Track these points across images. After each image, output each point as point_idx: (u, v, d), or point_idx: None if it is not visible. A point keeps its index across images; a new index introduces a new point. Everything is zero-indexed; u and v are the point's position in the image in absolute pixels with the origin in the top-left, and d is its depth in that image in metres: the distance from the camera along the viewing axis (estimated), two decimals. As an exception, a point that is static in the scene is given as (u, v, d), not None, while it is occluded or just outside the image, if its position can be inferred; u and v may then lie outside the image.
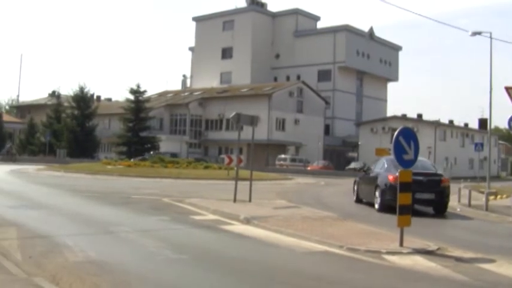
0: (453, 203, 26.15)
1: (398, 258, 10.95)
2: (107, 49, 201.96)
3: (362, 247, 11.73)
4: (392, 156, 25.32)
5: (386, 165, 21.72)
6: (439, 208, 21.09)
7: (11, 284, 7.78)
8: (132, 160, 57.81)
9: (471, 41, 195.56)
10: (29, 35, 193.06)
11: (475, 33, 34.16)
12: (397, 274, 9.77)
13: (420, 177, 18.88)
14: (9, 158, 62.95)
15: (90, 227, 14.01)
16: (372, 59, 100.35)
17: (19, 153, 73.24)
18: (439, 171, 23.04)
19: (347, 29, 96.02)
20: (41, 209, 17.50)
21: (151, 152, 62.37)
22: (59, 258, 9.67)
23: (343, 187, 34.55)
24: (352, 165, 71.37)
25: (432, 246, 12.17)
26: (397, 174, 19.32)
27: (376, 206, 21.17)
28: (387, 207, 19.64)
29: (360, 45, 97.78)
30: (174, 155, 59.97)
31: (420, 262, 10.72)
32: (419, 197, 18.94)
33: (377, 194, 21.21)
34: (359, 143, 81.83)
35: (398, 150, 12.22)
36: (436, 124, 79.44)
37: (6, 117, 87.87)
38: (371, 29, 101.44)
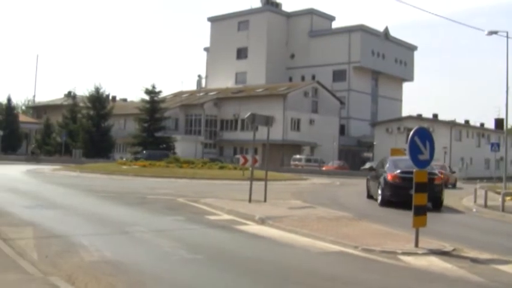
0: (469, 203, 26.17)
1: (413, 259, 10.92)
2: (122, 50, 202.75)
3: (377, 247, 11.70)
4: (395, 157, 27.30)
5: (388, 165, 23.99)
6: (434, 203, 22.18)
7: (27, 283, 7.83)
8: (124, 159, 58.64)
9: (487, 40, 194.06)
10: (44, 36, 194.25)
11: (491, 33, 33.92)
12: (412, 275, 9.74)
13: None
14: (34, 158, 63.39)
15: (105, 227, 14.07)
16: (387, 59, 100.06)
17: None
18: (435, 170, 24.33)
19: (362, 29, 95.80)
20: (56, 208, 17.60)
21: (144, 152, 62.57)
22: (74, 258, 9.73)
23: (358, 187, 34.46)
24: (367, 165, 71.04)
25: (448, 247, 12.11)
26: (395, 173, 22.12)
27: (378, 201, 23.51)
28: (387, 202, 22.59)
29: (375, 45, 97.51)
30: (165, 154, 59.92)
31: (436, 263, 10.68)
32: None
33: (379, 190, 23.55)
34: (374, 143, 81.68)
35: (414, 151, 12.15)
36: (452, 124, 79.09)
37: (22, 118, 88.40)
38: (386, 29, 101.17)
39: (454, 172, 48.93)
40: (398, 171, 22.40)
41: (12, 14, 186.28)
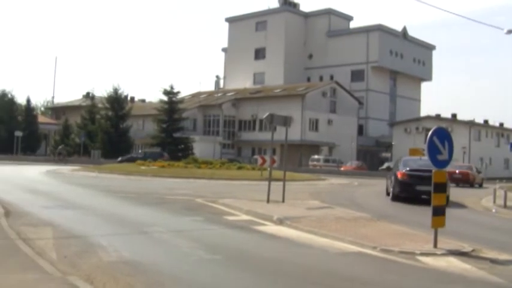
0: (488, 203, 26.01)
1: (432, 260, 10.87)
2: (141, 51, 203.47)
3: (396, 248, 11.66)
4: (408, 157, 30.03)
5: (400, 164, 26.07)
6: None
7: (46, 283, 7.88)
8: (120, 159, 59.31)
9: (507, 39, 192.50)
10: (63, 38, 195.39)
11: (510, 31, 33.62)
12: (431, 276, 9.70)
13: (421, 173, 23.33)
14: (61, 159, 63.76)
15: (124, 227, 14.13)
16: (405, 58, 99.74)
17: (54, 154, 74.05)
18: None
19: (380, 29, 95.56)
20: (75, 209, 17.68)
21: (140, 151, 62.82)
22: (93, 258, 9.77)
23: (377, 187, 34.39)
24: (386, 165, 70.96)
25: (467, 247, 12.04)
26: (404, 171, 24.28)
27: (390, 196, 26.00)
28: (396, 197, 24.92)
29: (393, 45, 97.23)
30: (161, 154, 60.29)
31: (454, 263, 10.62)
32: (419, 189, 23.50)
33: (391, 187, 26.10)
34: (392, 143, 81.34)
35: (433, 151, 12.08)
36: (471, 124, 78.64)
37: (41, 119, 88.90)
38: (404, 29, 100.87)
39: (480, 172, 49.24)
40: (407, 169, 24.69)
41: (31, 16, 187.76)
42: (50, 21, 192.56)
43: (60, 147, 69.58)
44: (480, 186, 44.90)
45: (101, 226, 14.19)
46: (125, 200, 21.15)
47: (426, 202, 20.69)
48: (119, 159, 60.27)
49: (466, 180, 43.44)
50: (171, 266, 9.62)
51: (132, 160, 56.04)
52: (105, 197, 22.79)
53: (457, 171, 43.58)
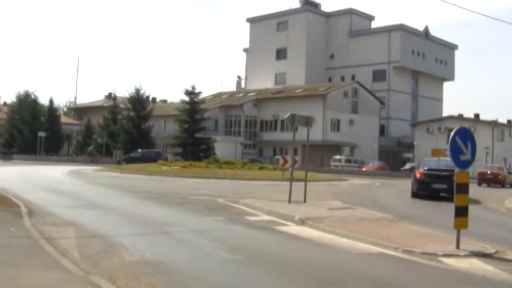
0: (511, 204, 25.77)
1: (454, 261, 10.79)
2: (162, 51, 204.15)
3: (418, 249, 11.59)
4: (428, 158, 31.70)
5: (420, 165, 28.16)
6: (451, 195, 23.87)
7: (69, 282, 7.93)
8: (118, 159, 60.39)
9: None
10: (85, 39, 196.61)
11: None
12: (453, 277, 9.63)
13: (437, 172, 25.79)
14: (91, 160, 64.22)
15: (146, 227, 14.18)
16: (427, 58, 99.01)
17: (76, 154, 74.47)
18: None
19: (402, 29, 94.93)
20: (98, 209, 17.80)
21: (139, 150, 63.44)
22: (115, 258, 9.83)
23: (399, 188, 34.25)
24: (408, 166, 70.64)
25: (489, 248, 11.92)
26: (421, 170, 26.38)
27: (410, 193, 27.54)
28: (415, 195, 26.90)
29: (415, 45, 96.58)
30: (158, 154, 60.80)
31: (477, 265, 10.54)
32: (435, 187, 25.73)
33: (411, 185, 27.88)
34: (414, 143, 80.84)
35: (455, 151, 11.98)
36: (494, 124, 77.95)
37: (64, 119, 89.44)
38: (426, 28, 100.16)
39: (511, 173, 49.80)
40: (425, 168, 26.63)
41: (54, 18, 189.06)
42: (72, 23, 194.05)
43: (90, 147, 70.13)
44: (511, 186, 45.17)
45: (123, 226, 14.27)
46: (147, 200, 21.24)
47: (446, 200, 22.57)
48: (117, 160, 61.12)
49: (497, 181, 44.32)
50: (193, 266, 9.64)
51: (130, 160, 57.33)
52: (127, 197, 22.90)
53: (488, 171, 45.23)
